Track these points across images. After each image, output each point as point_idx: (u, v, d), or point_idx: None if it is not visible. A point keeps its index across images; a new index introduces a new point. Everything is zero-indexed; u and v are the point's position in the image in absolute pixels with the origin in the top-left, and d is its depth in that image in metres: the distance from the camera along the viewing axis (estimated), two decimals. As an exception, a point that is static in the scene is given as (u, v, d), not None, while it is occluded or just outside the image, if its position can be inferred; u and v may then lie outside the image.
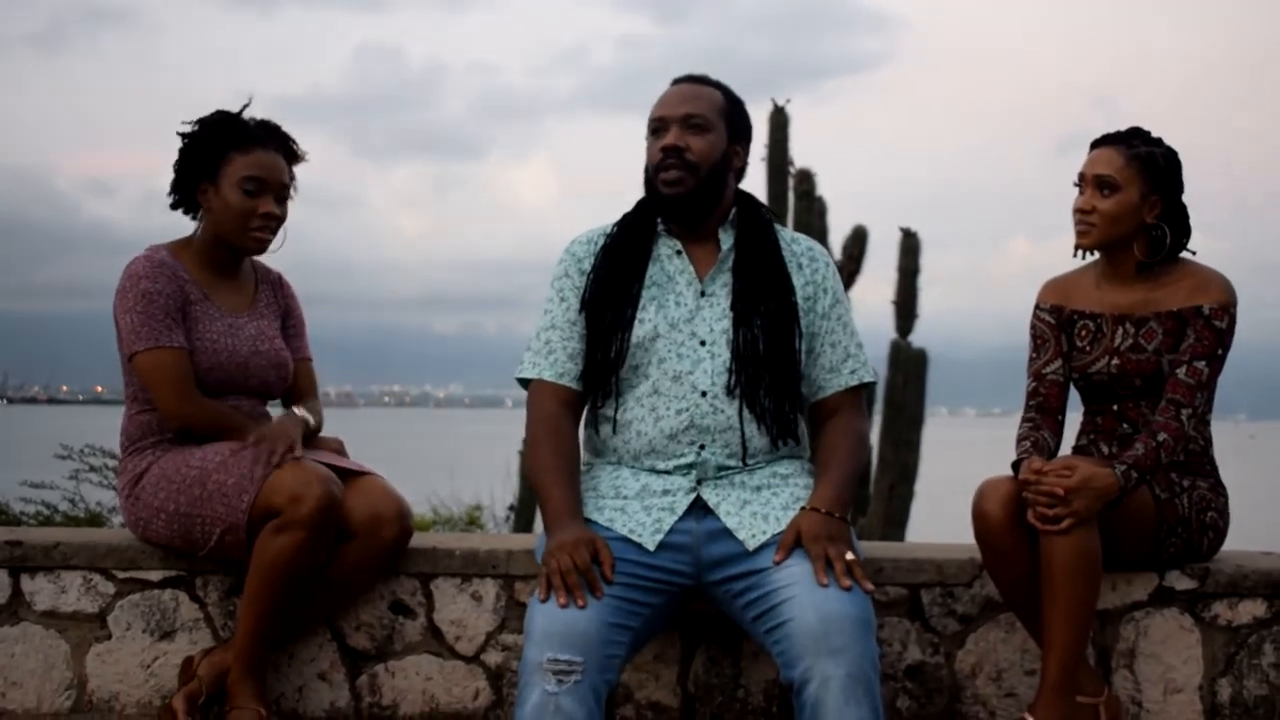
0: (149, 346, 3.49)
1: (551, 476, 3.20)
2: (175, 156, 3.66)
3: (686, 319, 3.29)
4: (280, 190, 3.62)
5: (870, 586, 2.98)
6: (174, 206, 3.70)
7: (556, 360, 3.31)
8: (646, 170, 3.35)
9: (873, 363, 3.42)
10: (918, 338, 10.82)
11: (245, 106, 3.67)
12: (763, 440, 3.26)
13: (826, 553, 2.99)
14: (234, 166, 3.57)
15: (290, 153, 3.69)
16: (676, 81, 3.41)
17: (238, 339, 3.61)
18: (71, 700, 3.63)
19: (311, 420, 3.65)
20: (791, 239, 3.46)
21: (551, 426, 3.27)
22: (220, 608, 3.63)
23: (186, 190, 3.65)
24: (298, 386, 3.79)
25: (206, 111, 3.66)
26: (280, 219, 3.64)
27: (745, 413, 3.24)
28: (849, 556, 3.00)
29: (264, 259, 3.81)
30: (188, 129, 3.64)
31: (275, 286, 3.82)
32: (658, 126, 3.33)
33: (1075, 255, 3.60)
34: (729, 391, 3.23)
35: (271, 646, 3.48)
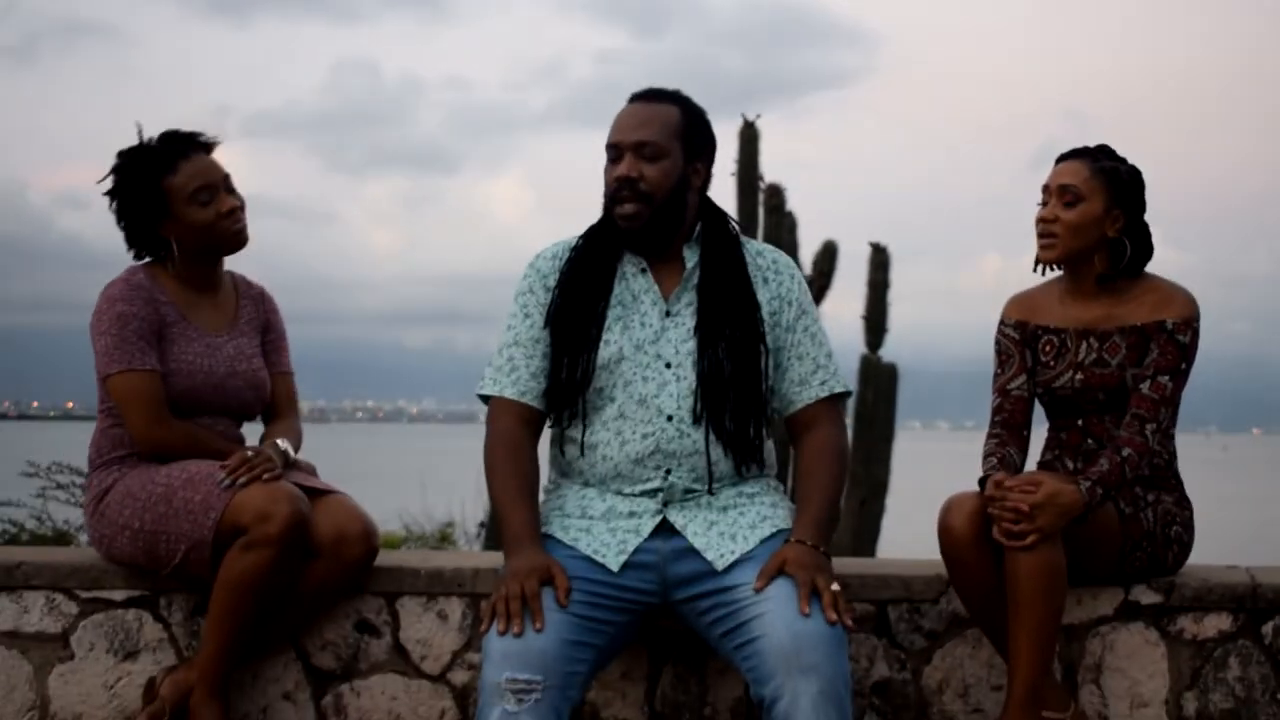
0: (121, 369, 3.48)
1: (511, 498, 3.18)
2: (113, 217, 3.60)
3: (652, 340, 3.26)
4: (226, 181, 3.59)
5: (851, 622, 2.96)
6: (138, 257, 3.64)
7: (519, 378, 3.28)
8: (605, 196, 3.31)
9: (844, 376, 3.40)
10: (888, 352, 10.86)
11: (140, 133, 3.60)
12: (728, 465, 3.24)
13: (814, 582, 2.97)
14: (176, 191, 3.52)
15: (208, 146, 3.64)
16: (633, 99, 3.32)
17: (215, 359, 3.60)
18: (34, 722, 3.60)
19: (291, 452, 3.61)
20: (757, 251, 3.42)
21: (512, 446, 3.24)
22: (184, 628, 3.60)
23: (148, 238, 3.60)
24: (276, 403, 3.76)
25: (113, 161, 3.59)
26: (242, 205, 3.61)
27: (711, 437, 3.22)
28: (834, 587, 2.98)
29: (247, 273, 3.79)
30: (109, 185, 3.58)
31: (257, 301, 3.79)
32: (614, 155, 3.27)
33: (1035, 270, 3.61)
34: (695, 416, 3.22)
35: (235, 665, 3.46)
